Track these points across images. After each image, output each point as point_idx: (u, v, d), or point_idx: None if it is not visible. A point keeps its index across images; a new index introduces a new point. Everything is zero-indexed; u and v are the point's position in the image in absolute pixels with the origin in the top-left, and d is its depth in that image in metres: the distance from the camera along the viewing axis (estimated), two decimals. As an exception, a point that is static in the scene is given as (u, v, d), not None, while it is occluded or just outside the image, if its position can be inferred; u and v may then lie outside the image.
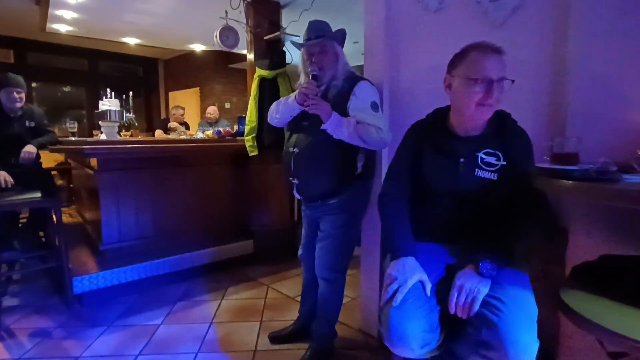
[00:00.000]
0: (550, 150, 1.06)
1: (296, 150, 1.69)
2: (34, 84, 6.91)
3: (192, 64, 7.52)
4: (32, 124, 2.86)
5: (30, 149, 2.70)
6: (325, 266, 1.75)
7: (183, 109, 5.33)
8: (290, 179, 1.73)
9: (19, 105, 2.74)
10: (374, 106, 1.62)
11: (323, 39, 1.67)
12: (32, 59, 6.81)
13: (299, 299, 2.11)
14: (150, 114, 8.31)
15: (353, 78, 1.68)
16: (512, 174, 1.18)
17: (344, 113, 1.61)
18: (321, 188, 1.68)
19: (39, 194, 2.35)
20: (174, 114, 5.19)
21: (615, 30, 1.24)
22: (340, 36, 1.73)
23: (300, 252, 1.96)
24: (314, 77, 1.63)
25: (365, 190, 1.79)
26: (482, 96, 1.15)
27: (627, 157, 1.01)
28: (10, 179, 2.45)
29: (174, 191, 2.91)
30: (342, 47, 1.75)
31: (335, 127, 1.57)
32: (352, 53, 2.94)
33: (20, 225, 3.01)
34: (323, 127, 1.58)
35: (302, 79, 1.78)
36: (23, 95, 2.76)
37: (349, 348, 1.96)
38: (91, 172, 2.77)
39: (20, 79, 2.75)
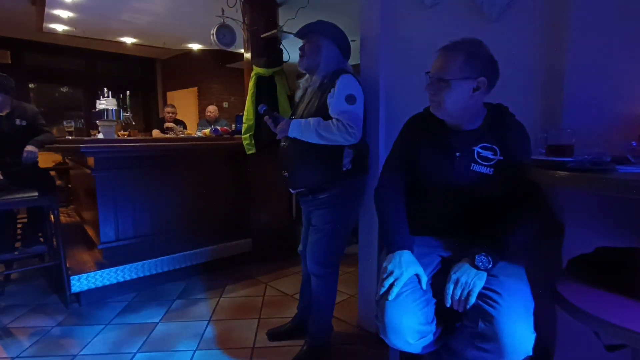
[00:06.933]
0: (545, 142, 1.06)
1: (285, 143, 1.73)
2: (31, 85, 6.88)
3: (190, 64, 7.50)
4: (24, 123, 2.75)
5: (31, 148, 2.65)
6: (314, 261, 1.74)
7: (173, 106, 5.25)
8: (283, 172, 1.76)
9: None
10: (349, 98, 1.58)
11: (309, 32, 1.72)
12: (29, 60, 6.78)
13: (297, 296, 2.11)
14: (148, 114, 8.30)
15: (338, 73, 1.65)
16: (509, 168, 1.18)
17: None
18: (307, 181, 1.69)
19: (36, 193, 2.34)
20: (167, 113, 5.16)
21: (610, 22, 1.24)
22: (331, 32, 1.71)
23: (300, 247, 1.97)
24: (265, 112, 1.72)
25: (356, 186, 1.76)
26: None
27: (622, 149, 1.01)
28: None
29: (171, 190, 2.91)
30: (344, 50, 1.74)
31: (299, 135, 1.61)
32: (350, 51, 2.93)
33: (19, 226, 3.00)
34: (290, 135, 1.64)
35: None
36: None
37: (347, 343, 1.96)
38: (88, 171, 2.76)
39: None
